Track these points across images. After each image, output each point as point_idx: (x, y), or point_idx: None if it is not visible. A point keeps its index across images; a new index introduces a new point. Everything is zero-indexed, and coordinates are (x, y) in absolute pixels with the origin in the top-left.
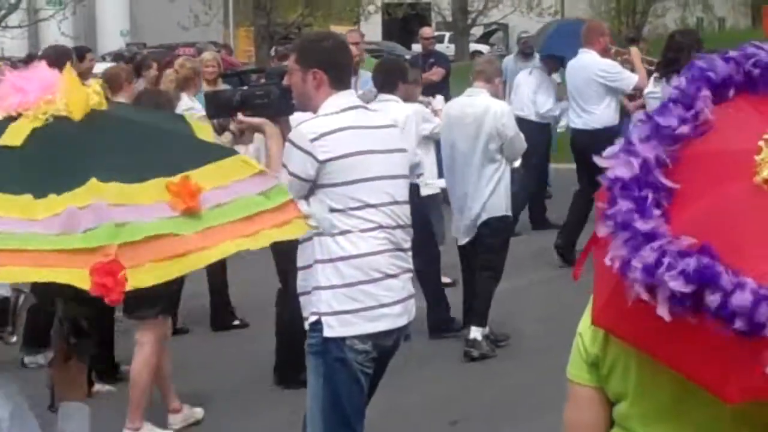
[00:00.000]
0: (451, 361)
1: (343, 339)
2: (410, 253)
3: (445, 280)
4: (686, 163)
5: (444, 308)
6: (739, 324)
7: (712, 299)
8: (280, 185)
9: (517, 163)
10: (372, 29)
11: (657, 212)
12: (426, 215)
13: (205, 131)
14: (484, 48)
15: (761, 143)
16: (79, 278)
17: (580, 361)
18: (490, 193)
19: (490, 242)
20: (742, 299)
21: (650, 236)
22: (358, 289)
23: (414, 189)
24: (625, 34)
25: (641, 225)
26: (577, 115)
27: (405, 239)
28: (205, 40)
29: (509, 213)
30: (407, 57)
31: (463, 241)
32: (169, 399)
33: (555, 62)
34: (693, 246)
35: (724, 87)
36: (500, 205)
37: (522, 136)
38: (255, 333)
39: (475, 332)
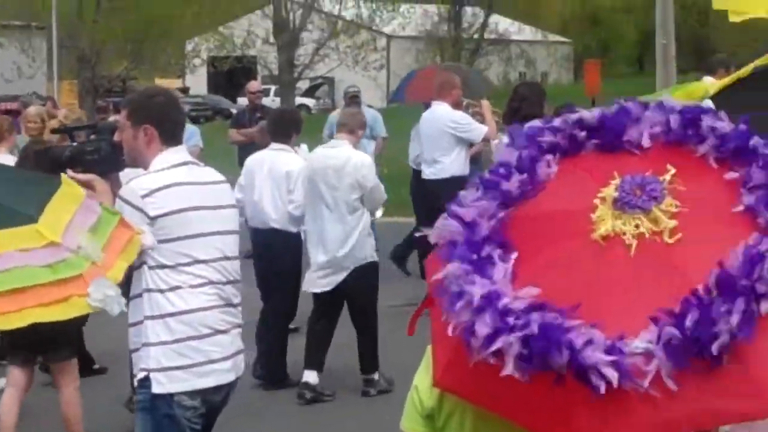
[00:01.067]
0: (285, 414)
1: (171, 395)
2: (240, 308)
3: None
4: (522, 223)
5: (283, 362)
6: (593, 380)
7: (561, 357)
8: (71, 259)
9: (379, 214)
10: (198, 82)
11: (497, 271)
12: (300, 270)
13: (65, 197)
14: (310, 101)
15: (597, 201)
16: None
17: (415, 414)
18: (354, 242)
19: (360, 290)
20: (593, 356)
21: (492, 296)
22: (187, 345)
23: (298, 239)
24: None
25: (481, 287)
26: (429, 165)
27: (235, 294)
28: (28, 92)
29: (375, 259)
30: (233, 111)
31: (320, 288)
32: None
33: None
34: (537, 301)
35: (550, 152)
36: (365, 252)
37: (382, 187)
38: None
39: (371, 375)
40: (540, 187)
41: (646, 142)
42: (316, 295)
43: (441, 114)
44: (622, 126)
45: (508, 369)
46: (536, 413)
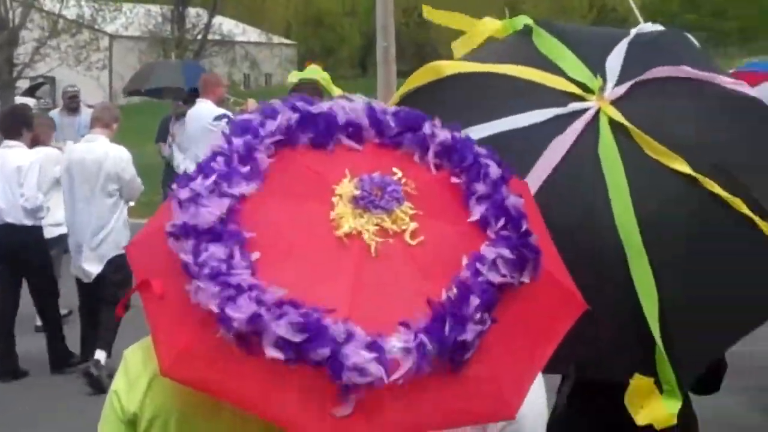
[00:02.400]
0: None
1: None
2: None
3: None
4: (256, 217)
5: (63, 343)
6: (349, 376)
7: (322, 351)
8: None
9: (132, 203)
10: None
11: (243, 263)
12: (49, 257)
13: None
14: (30, 101)
15: (335, 199)
16: None
17: (116, 419)
18: (110, 232)
19: (113, 278)
20: (354, 352)
21: (242, 287)
22: None
23: (38, 231)
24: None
25: (232, 277)
26: (192, 161)
27: None
28: None
29: None
30: None
31: (84, 278)
32: None
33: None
34: (288, 297)
35: (267, 140)
36: (121, 241)
37: (138, 179)
38: None
39: (100, 354)
40: (263, 177)
41: (361, 142)
42: (79, 285)
43: (204, 112)
44: (336, 123)
45: (268, 350)
46: (278, 402)
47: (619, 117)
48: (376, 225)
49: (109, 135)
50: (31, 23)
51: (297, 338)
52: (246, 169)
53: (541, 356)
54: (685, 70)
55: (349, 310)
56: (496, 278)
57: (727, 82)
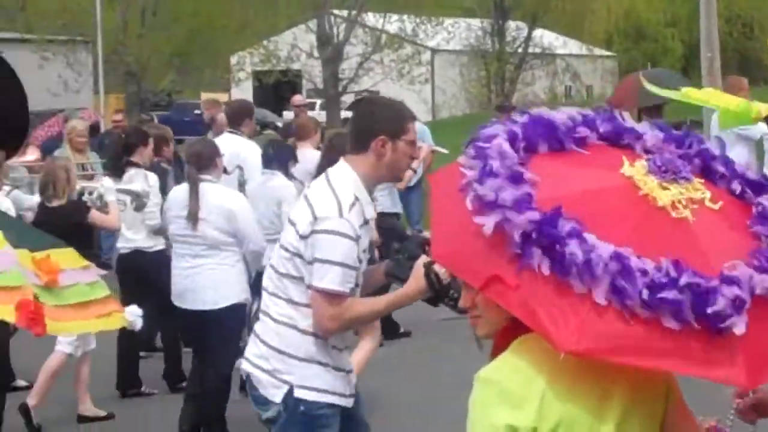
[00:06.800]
0: None
1: None
2: None
3: None
4: (576, 200)
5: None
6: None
7: (724, 309)
8: (100, 281)
9: None
10: (243, 96)
11: (604, 242)
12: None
13: None
14: None
15: (637, 177)
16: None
17: None
18: None
19: None
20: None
21: (620, 257)
22: None
23: None
24: (496, 102)
25: (602, 249)
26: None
27: None
28: (74, 106)
29: None
30: (278, 124)
31: None
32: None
33: None
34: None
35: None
36: None
37: None
38: None
39: None
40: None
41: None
42: None
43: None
44: (629, 135)
45: (670, 323)
46: (685, 359)
47: None
48: (682, 194)
49: None
50: (354, 39)
51: (694, 305)
52: (518, 162)
53: None
54: None
55: (712, 269)
56: None
57: None
